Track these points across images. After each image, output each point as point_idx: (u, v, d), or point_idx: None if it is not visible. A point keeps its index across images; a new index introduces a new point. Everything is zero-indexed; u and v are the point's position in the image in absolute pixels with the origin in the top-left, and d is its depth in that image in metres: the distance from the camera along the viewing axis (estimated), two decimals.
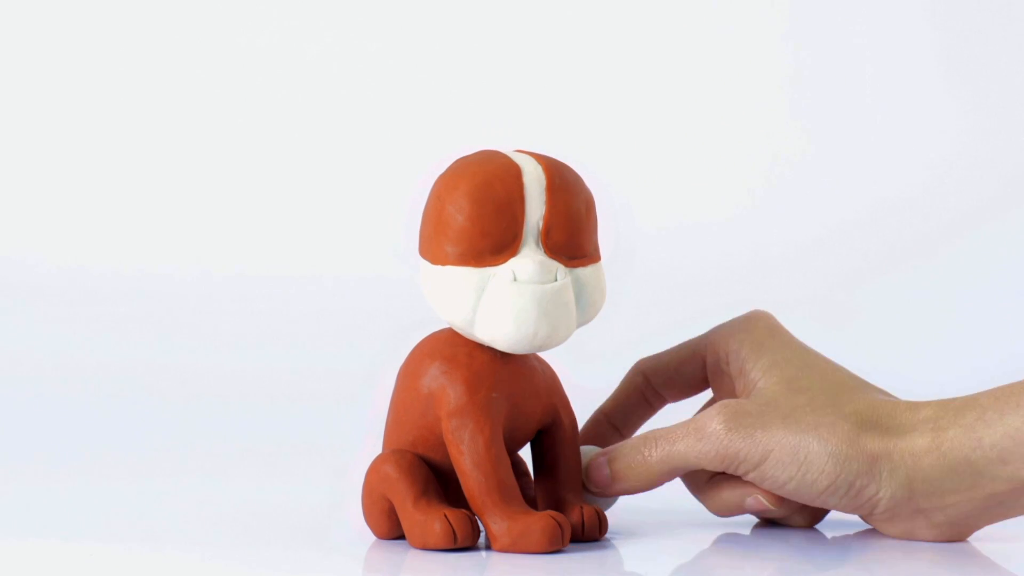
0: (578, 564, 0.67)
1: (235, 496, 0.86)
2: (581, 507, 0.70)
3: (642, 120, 1.44)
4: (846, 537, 0.72)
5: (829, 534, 0.73)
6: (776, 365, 0.69)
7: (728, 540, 0.72)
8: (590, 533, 0.70)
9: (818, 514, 0.73)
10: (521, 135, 0.88)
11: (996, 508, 0.67)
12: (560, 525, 0.67)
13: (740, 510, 0.71)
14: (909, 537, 0.69)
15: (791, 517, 0.72)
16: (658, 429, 0.70)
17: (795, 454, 0.66)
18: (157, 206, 1.41)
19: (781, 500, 0.70)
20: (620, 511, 0.74)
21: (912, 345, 1.27)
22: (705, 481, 0.72)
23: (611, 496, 0.71)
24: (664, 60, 1.46)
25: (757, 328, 0.71)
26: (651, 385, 0.74)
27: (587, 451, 0.72)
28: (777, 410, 0.67)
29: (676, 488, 0.74)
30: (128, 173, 1.42)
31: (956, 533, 0.69)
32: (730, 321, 0.72)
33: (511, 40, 1.46)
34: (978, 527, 0.69)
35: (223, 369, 1.25)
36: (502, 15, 1.46)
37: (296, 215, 1.40)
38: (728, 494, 0.71)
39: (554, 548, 0.67)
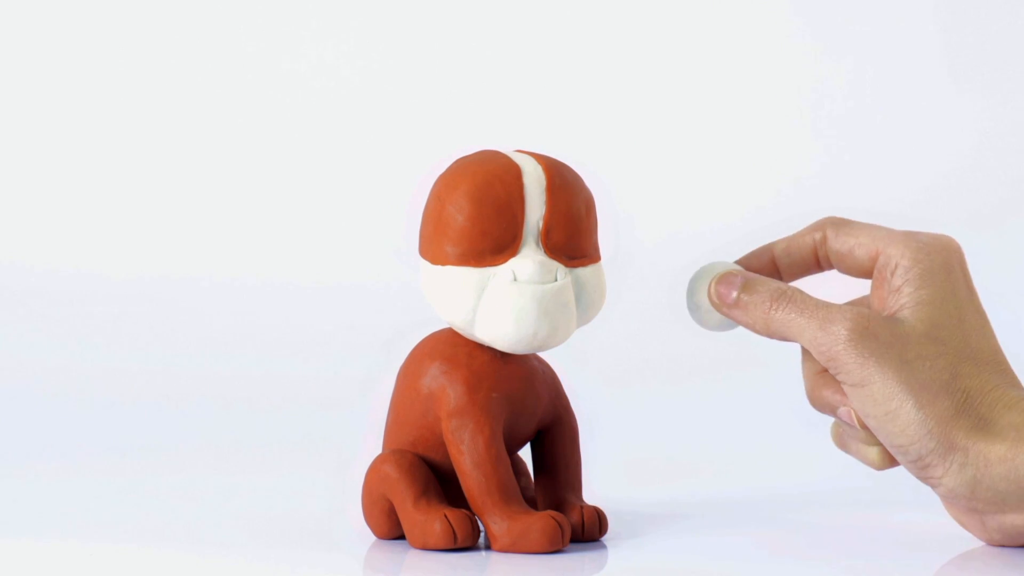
0: (578, 564, 0.67)
1: (235, 496, 0.86)
2: (581, 507, 0.70)
3: (644, 120, 1.44)
4: (848, 540, 0.72)
5: (831, 537, 0.73)
6: (931, 302, 0.67)
7: (729, 540, 0.72)
8: (590, 533, 0.70)
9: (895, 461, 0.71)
10: (521, 135, 0.88)
11: None
12: (560, 525, 0.67)
13: (832, 412, 0.70)
14: (964, 527, 0.68)
15: (869, 452, 0.70)
16: (797, 290, 0.68)
17: (888, 401, 0.65)
18: (158, 207, 1.41)
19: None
20: (620, 511, 0.74)
21: None
22: (817, 371, 0.70)
23: (725, 315, 0.70)
24: (670, 59, 1.46)
25: (938, 258, 0.68)
26: (826, 247, 0.71)
27: (725, 264, 0.71)
28: (903, 349, 0.65)
29: (677, 487, 0.74)
30: (129, 175, 1.42)
31: (1008, 541, 0.67)
32: (918, 235, 0.69)
33: (512, 40, 1.46)
34: None
35: (223, 370, 1.25)
36: (502, 15, 1.46)
37: (296, 215, 1.40)
38: (829, 394, 0.69)
39: (554, 548, 0.67)
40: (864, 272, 0.70)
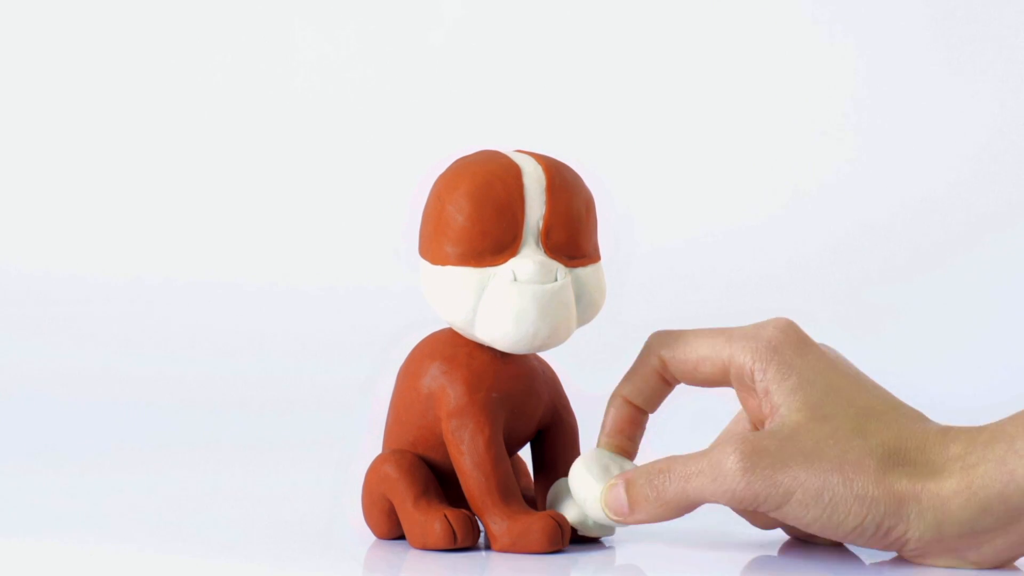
0: (578, 564, 0.67)
1: (236, 496, 0.86)
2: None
3: (646, 120, 1.44)
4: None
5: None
6: (800, 388, 0.65)
7: (729, 540, 0.72)
8: (590, 533, 0.70)
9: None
10: (521, 135, 0.88)
11: None
12: (560, 525, 0.67)
13: (776, 527, 0.70)
14: (946, 567, 0.66)
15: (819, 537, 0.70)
16: (673, 460, 0.66)
17: (818, 496, 0.63)
18: (162, 210, 1.41)
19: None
20: None
21: (936, 353, 1.26)
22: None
23: (631, 523, 0.68)
24: (673, 61, 1.46)
25: (785, 344, 0.67)
26: (668, 369, 0.70)
27: (598, 458, 0.69)
28: (798, 445, 0.64)
29: None
30: (129, 178, 1.42)
31: (995, 564, 0.66)
32: (755, 331, 0.68)
33: (512, 40, 1.46)
34: (1017, 558, 0.66)
35: (223, 370, 1.25)
36: (503, 15, 1.46)
37: (297, 216, 1.41)
38: (760, 519, 0.70)
39: (554, 548, 0.67)
40: (717, 383, 0.69)
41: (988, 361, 1.24)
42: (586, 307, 0.69)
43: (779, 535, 0.73)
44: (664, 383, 0.70)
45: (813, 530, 0.64)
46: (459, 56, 1.45)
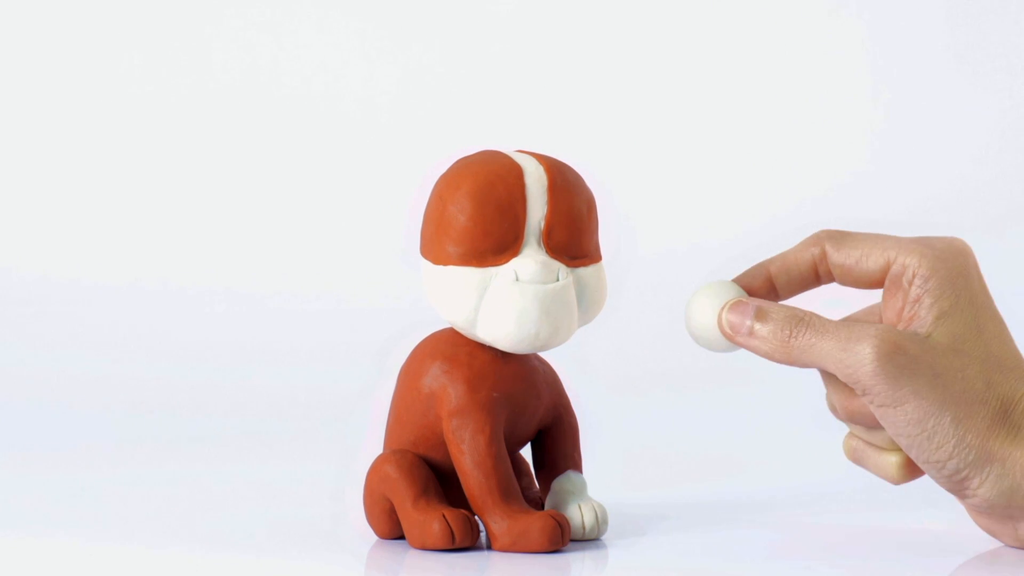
0: (578, 564, 0.67)
1: (237, 496, 0.86)
2: (580, 506, 0.70)
3: (650, 120, 1.44)
4: (849, 541, 0.72)
5: (832, 538, 0.73)
6: (951, 314, 0.65)
7: (729, 540, 0.72)
8: (590, 533, 0.70)
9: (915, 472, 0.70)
10: (522, 136, 0.88)
11: None
12: (560, 525, 0.67)
13: (849, 419, 0.69)
14: (992, 535, 0.68)
15: (889, 465, 0.69)
16: (814, 315, 0.66)
17: (925, 420, 0.64)
18: (164, 213, 1.41)
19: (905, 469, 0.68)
20: (620, 511, 0.74)
21: None
22: (840, 387, 0.69)
23: (739, 344, 0.67)
24: (681, 59, 1.46)
25: (955, 264, 0.66)
26: (826, 262, 0.69)
27: (729, 287, 0.68)
28: (932, 364, 0.64)
29: (677, 487, 0.74)
30: (128, 180, 1.42)
31: None
32: (932, 241, 0.67)
33: (513, 40, 1.46)
34: None
35: (224, 370, 1.25)
36: (504, 15, 1.46)
37: (298, 216, 1.41)
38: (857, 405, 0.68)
39: (554, 548, 0.67)
40: (873, 283, 0.68)
41: None
42: (588, 307, 0.69)
43: (776, 531, 0.73)
44: (814, 275, 0.69)
45: (900, 442, 0.65)
46: (459, 56, 1.45)
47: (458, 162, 0.69)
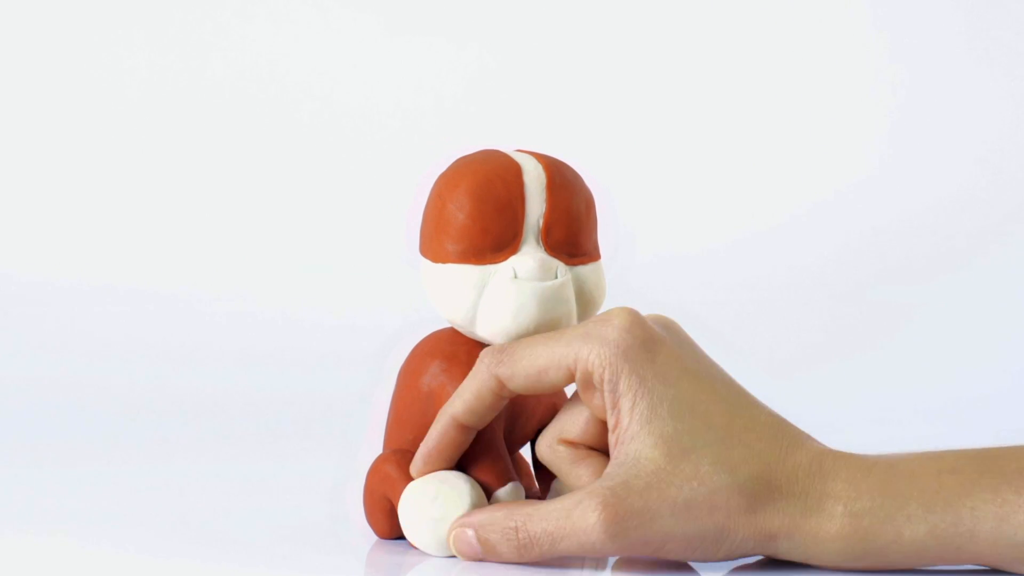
0: (577, 564, 0.66)
1: (237, 496, 0.86)
2: None
3: (652, 120, 1.44)
4: None
5: None
6: (654, 415, 0.62)
7: None
8: None
9: None
10: (523, 136, 0.88)
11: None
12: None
13: None
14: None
15: None
16: (529, 515, 0.63)
17: (689, 543, 0.61)
18: (162, 211, 1.41)
19: None
20: None
21: (956, 355, 1.26)
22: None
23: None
24: (677, 62, 1.46)
25: (633, 348, 0.63)
26: (506, 388, 0.66)
27: (432, 493, 0.67)
28: (663, 494, 0.61)
29: None
30: (126, 182, 1.43)
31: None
32: (598, 331, 0.64)
33: (514, 40, 1.46)
34: None
35: (225, 370, 1.25)
36: (505, 14, 1.46)
37: (298, 216, 1.41)
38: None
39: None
40: (559, 387, 0.65)
41: (1010, 363, 1.24)
42: (586, 305, 0.69)
43: None
44: (499, 399, 0.66)
45: (688, 561, 0.63)
46: (459, 56, 1.45)
47: (457, 161, 0.69)
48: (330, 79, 1.45)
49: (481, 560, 0.65)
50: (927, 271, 1.36)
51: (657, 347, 0.64)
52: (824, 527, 0.61)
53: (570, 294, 0.68)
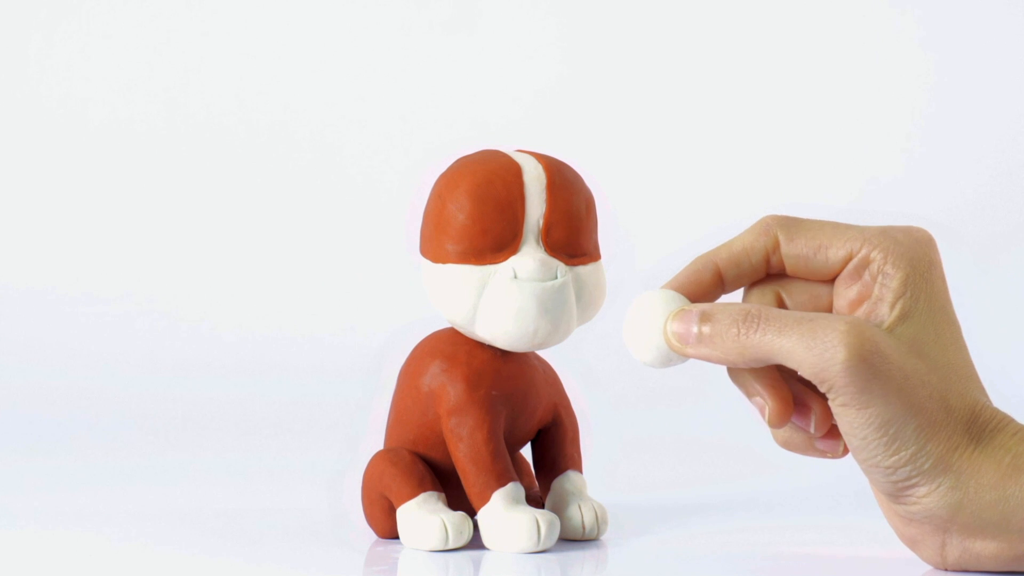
0: (578, 564, 0.66)
1: (237, 496, 0.86)
2: (580, 506, 0.70)
3: (651, 121, 1.44)
4: (847, 541, 0.72)
5: (831, 538, 0.73)
6: (913, 315, 0.62)
7: (728, 541, 0.72)
8: (590, 533, 0.70)
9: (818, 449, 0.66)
10: (523, 136, 0.88)
11: (1016, 568, 0.62)
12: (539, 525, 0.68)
13: (750, 397, 0.65)
14: (913, 547, 0.64)
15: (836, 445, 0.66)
16: (766, 308, 0.61)
17: (888, 425, 0.60)
18: (159, 210, 1.42)
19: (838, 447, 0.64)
20: (620, 511, 0.74)
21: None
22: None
23: (688, 356, 0.63)
24: (678, 61, 1.45)
25: (920, 262, 0.62)
26: (779, 252, 0.64)
27: (668, 296, 0.63)
28: (901, 366, 0.60)
29: (677, 487, 0.73)
30: (130, 188, 1.43)
31: (959, 567, 0.64)
32: (895, 234, 0.63)
33: (515, 39, 1.46)
34: (987, 570, 0.63)
35: (225, 370, 1.25)
36: (504, 16, 1.46)
37: (299, 215, 1.41)
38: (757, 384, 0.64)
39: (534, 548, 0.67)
40: (830, 275, 0.64)
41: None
42: (586, 305, 0.69)
43: (774, 532, 0.73)
44: (765, 266, 0.65)
45: (852, 443, 0.61)
46: (460, 56, 1.45)
47: (457, 161, 0.69)
48: (327, 78, 1.45)
49: (687, 350, 0.62)
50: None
51: (937, 273, 0.63)
52: (986, 474, 0.60)
53: (570, 294, 0.68)
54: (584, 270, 0.69)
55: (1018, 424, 0.62)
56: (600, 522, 0.70)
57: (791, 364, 0.60)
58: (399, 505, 0.69)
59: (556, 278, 0.67)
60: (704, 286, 0.64)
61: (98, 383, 1.23)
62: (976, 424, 0.61)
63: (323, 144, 1.43)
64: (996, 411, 0.62)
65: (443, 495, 0.70)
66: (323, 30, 1.45)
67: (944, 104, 1.44)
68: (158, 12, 1.45)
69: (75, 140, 1.43)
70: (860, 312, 0.63)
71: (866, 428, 0.60)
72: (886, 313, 0.62)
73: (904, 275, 0.62)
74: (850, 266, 0.63)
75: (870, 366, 0.60)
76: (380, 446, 0.73)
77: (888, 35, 1.45)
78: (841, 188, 1.40)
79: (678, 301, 0.63)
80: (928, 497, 0.61)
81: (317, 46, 1.45)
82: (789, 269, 0.64)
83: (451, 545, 0.68)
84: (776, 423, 0.63)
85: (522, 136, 0.86)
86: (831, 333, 0.60)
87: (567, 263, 0.68)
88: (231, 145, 1.43)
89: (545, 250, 0.68)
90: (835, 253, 0.63)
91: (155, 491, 0.88)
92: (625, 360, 0.70)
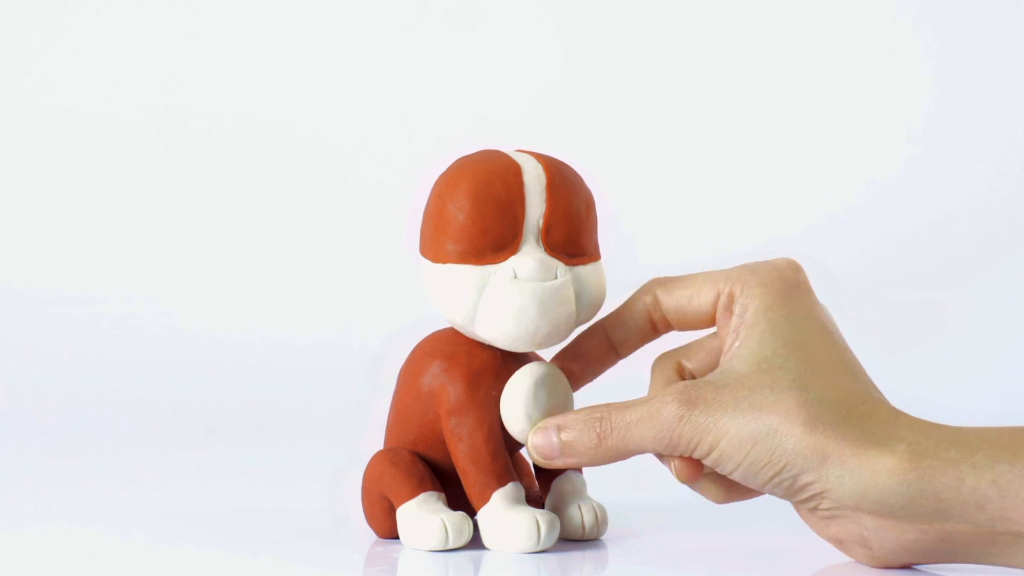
0: (578, 564, 0.66)
1: (237, 495, 0.86)
2: (580, 506, 0.70)
3: (652, 122, 1.44)
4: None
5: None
6: (763, 339, 0.64)
7: (728, 541, 0.72)
8: (590, 533, 0.70)
9: (734, 494, 0.68)
10: (523, 136, 0.88)
11: (944, 549, 0.63)
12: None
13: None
14: (838, 547, 0.65)
15: (711, 488, 0.68)
16: (609, 407, 0.65)
17: (742, 443, 0.62)
18: (156, 210, 1.42)
19: (695, 476, 0.66)
20: (620, 511, 0.74)
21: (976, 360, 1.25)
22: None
23: (557, 467, 0.67)
24: (678, 60, 1.46)
25: (776, 284, 0.65)
26: (660, 308, 0.68)
27: (534, 371, 0.68)
28: (733, 393, 0.63)
29: (676, 487, 0.73)
30: (130, 190, 1.43)
31: (888, 560, 0.64)
32: (755, 266, 0.67)
33: (514, 40, 1.46)
34: (915, 562, 0.64)
35: (225, 369, 1.25)
36: (504, 16, 1.46)
37: (295, 213, 1.41)
38: (712, 491, 0.68)
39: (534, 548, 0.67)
40: (707, 321, 0.68)
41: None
42: (586, 305, 0.69)
43: (773, 533, 0.73)
44: (650, 326, 0.69)
45: (736, 477, 0.63)
46: (459, 56, 1.45)
47: (457, 161, 0.69)
48: (325, 78, 1.45)
49: (554, 462, 0.66)
50: (943, 278, 1.36)
51: (798, 293, 0.66)
52: (881, 459, 0.61)
53: (570, 294, 0.68)
54: (584, 270, 0.69)
55: (912, 417, 0.63)
56: (600, 522, 0.70)
57: (646, 447, 0.65)
58: (399, 505, 0.69)
59: (556, 278, 0.67)
60: (595, 352, 0.70)
61: (98, 383, 1.23)
62: (858, 415, 0.62)
63: (323, 144, 1.43)
64: (886, 404, 0.63)
65: (443, 495, 0.70)
66: (323, 30, 1.45)
67: (944, 104, 1.44)
68: (158, 8, 1.45)
69: (75, 140, 1.43)
70: (727, 343, 0.66)
71: (731, 461, 0.63)
72: (743, 337, 0.65)
73: (758, 302, 0.65)
74: (720, 305, 0.67)
75: (698, 412, 0.63)
76: (380, 446, 0.73)
77: (887, 35, 1.45)
78: (841, 188, 1.40)
79: (542, 386, 0.68)
80: (828, 490, 0.62)
81: (317, 46, 1.45)
82: (673, 324, 0.69)
83: (451, 545, 0.68)
84: (685, 480, 0.66)
85: (522, 136, 0.86)
86: (660, 403, 0.64)
87: (567, 263, 0.68)
88: (231, 144, 1.43)
89: (545, 250, 0.68)
90: (705, 297, 0.67)
91: (155, 491, 0.88)
92: (625, 360, 0.71)
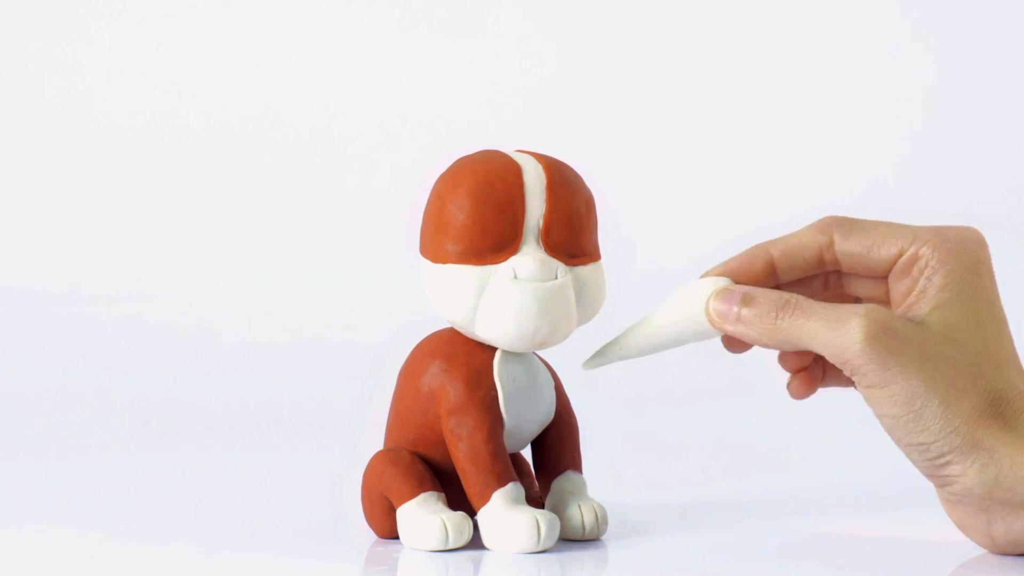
0: (578, 564, 0.66)
1: (237, 495, 0.86)
2: (580, 506, 0.70)
3: (653, 122, 1.44)
4: (848, 543, 0.72)
5: (832, 539, 0.73)
6: (950, 305, 0.65)
7: (728, 541, 0.72)
8: (590, 533, 0.70)
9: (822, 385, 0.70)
10: (523, 136, 0.88)
11: None
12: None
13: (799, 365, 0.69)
14: (963, 530, 0.66)
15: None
16: (801, 297, 0.65)
17: (912, 401, 0.63)
18: (156, 210, 1.42)
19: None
20: (620, 511, 0.74)
21: None
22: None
23: (727, 332, 0.67)
24: (678, 60, 1.45)
25: (966, 258, 0.65)
26: (833, 249, 0.68)
27: (715, 280, 0.68)
28: (921, 346, 0.63)
29: (677, 487, 0.74)
30: (131, 187, 1.43)
31: (1007, 550, 0.66)
32: (946, 232, 0.66)
33: (514, 40, 1.46)
34: None
35: (225, 369, 1.25)
36: (504, 15, 1.46)
37: (296, 213, 1.41)
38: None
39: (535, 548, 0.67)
40: (882, 272, 0.67)
41: None
42: (586, 306, 0.69)
43: (774, 533, 0.73)
44: (818, 262, 0.68)
45: (884, 423, 0.64)
46: (459, 55, 1.45)
47: (457, 161, 0.69)
48: (325, 78, 1.45)
49: (725, 326, 0.66)
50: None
51: (983, 268, 0.66)
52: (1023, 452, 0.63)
53: (570, 294, 0.68)
54: (584, 270, 0.69)
55: None
56: (600, 522, 0.70)
57: (817, 348, 0.65)
58: (399, 505, 0.69)
59: (556, 278, 0.67)
60: (755, 273, 0.68)
61: (98, 383, 1.23)
62: (1009, 406, 0.64)
63: (323, 144, 1.43)
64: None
65: (443, 495, 0.70)
66: (323, 30, 1.45)
67: (944, 104, 1.44)
68: (160, 9, 1.45)
69: (76, 140, 1.43)
70: (906, 302, 0.66)
71: (891, 406, 0.63)
72: (923, 301, 0.65)
73: (948, 269, 0.65)
74: (900, 263, 0.66)
75: (885, 346, 0.63)
76: (380, 446, 0.73)
77: (887, 35, 1.45)
78: (841, 188, 1.40)
79: (724, 283, 0.68)
80: (964, 476, 0.63)
81: (317, 46, 1.45)
82: (844, 266, 0.68)
83: (451, 545, 0.68)
84: (797, 396, 0.69)
85: (522, 136, 0.86)
86: (852, 319, 0.63)
87: (567, 263, 0.68)
88: (231, 144, 1.43)
89: (545, 250, 0.68)
90: (887, 251, 0.67)
91: (155, 491, 0.88)
92: (625, 360, 0.71)
